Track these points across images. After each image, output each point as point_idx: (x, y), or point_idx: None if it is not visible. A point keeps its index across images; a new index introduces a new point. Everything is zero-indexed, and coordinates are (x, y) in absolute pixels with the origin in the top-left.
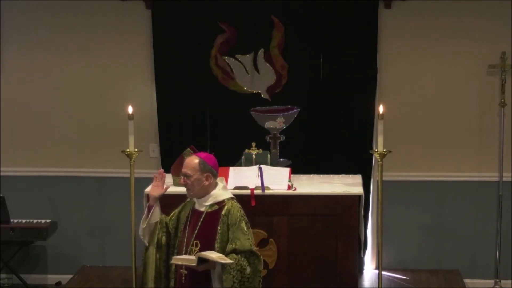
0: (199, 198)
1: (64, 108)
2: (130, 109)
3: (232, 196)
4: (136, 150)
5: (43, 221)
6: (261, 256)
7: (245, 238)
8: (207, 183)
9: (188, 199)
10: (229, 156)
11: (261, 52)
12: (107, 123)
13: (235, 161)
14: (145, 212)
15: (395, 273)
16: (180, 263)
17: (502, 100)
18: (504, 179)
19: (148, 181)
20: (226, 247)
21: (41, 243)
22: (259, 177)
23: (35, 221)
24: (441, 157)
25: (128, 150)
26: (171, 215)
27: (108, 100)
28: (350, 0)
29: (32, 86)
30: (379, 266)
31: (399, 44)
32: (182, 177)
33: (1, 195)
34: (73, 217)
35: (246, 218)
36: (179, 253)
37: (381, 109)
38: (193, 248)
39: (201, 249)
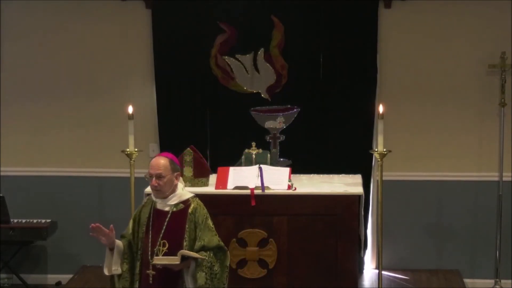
0: (164, 198)
1: (64, 108)
2: (130, 109)
3: (194, 194)
4: (136, 150)
5: (43, 221)
6: (228, 252)
7: (212, 234)
8: (176, 182)
9: (145, 200)
10: (229, 156)
11: (261, 52)
12: (107, 123)
13: (235, 161)
14: (107, 254)
15: (395, 273)
16: (162, 262)
17: (502, 100)
18: (504, 179)
19: (148, 181)
20: (194, 245)
21: (41, 243)
22: (259, 177)
23: (35, 221)
24: (441, 157)
25: (128, 150)
26: (129, 224)
27: (108, 100)
28: (350, 0)
29: (32, 85)
30: (379, 266)
31: (399, 44)
32: (153, 179)
33: (1, 195)
34: (73, 217)
35: (209, 215)
36: (144, 255)
37: (381, 109)
38: (161, 248)
39: (170, 249)
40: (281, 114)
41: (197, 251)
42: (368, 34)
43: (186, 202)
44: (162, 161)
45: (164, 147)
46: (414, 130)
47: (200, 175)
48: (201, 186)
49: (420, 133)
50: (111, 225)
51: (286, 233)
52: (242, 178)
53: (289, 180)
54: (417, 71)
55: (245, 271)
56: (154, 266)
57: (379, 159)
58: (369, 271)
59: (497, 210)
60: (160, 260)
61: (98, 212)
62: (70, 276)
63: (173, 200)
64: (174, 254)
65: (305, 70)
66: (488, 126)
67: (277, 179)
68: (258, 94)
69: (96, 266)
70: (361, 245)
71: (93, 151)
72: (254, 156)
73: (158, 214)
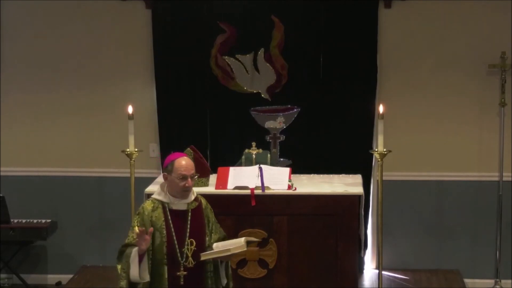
0: (185, 199)
1: (64, 108)
2: (130, 109)
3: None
4: (136, 150)
5: (43, 221)
6: None
7: (219, 226)
8: None
9: (149, 207)
10: (229, 156)
11: (261, 52)
12: (107, 123)
13: (235, 161)
14: (135, 261)
15: (395, 273)
16: (235, 252)
17: (502, 100)
18: (504, 179)
19: (148, 180)
20: (211, 239)
21: (41, 243)
22: (259, 177)
23: (35, 221)
24: (441, 157)
25: (128, 150)
26: (137, 231)
27: (108, 100)
28: (350, 0)
29: (31, 86)
30: (379, 266)
31: (399, 44)
32: (188, 179)
33: (1, 195)
34: (73, 217)
35: None
36: (171, 258)
37: (381, 109)
38: (190, 247)
39: (197, 246)
40: (281, 114)
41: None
42: (368, 34)
43: (197, 199)
44: (190, 162)
45: (164, 147)
46: (414, 130)
47: (200, 175)
48: (201, 186)
49: (420, 133)
50: (151, 228)
51: (286, 233)
52: (242, 178)
53: (289, 180)
54: (417, 71)
55: (245, 271)
56: (185, 266)
57: (379, 159)
58: (369, 271)
59: (497, 210)
60: (236, 249)
61: (98, 212)
62: (70, 276)
63: (190, 198)
64: (201, 251)
65: (305, 70)
66: (488, 126)
67: (277, 179)
68: (258, 94)
69: (96, 266)
70: (361, 245)
71: (93, 151)
72: (254, 156)
73: (177, 215)
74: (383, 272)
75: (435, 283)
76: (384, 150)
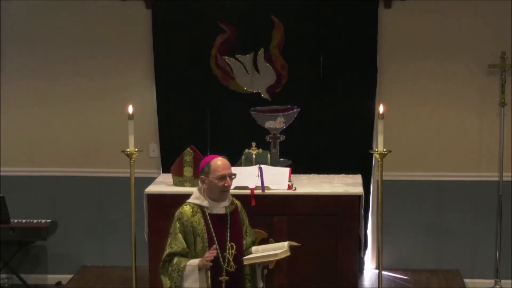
0: (223, 201)
1: (64, 108)
2: (130, 109)
3: None
4: (136, 150)
5: (43, 221)
6: None
7: (251, 228)
8: None
9: (188, 212)
10: (229, 156)
11: (261, 52)
12: (107, 123)
13: (235, 161)
14: (197, 276)
15: (395, 273)
16: (283, 256)
17: (502, 100)
18: (504, 179)
19: (148, 180)
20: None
21: (41, 243)
22: (259, 177)
23: (35, 221)
24: (441, 157)
25: (128, 150)
26: (180, 239)
27: (108, 100)
28: (350, 0)
29: (32, 86)
30: (379, 266)
31: (399, 44)
32: (227, 179)
33: (1, 195)
34: (73, 217)
35: None
36: (214, 263)
37: (381, 109)
38: (231, 251)
39: (237, 250)
40: (281, 114)
41: (250, 246)
42: (368, 34)
43: (233, 203)
44: (227, 161)
45: (164, 147)
46: (414, 130)
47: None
48: None
49: (420, 133)
50: (214, 245)
51: (286, 233)
52: (242, 178)
53: (289, 180)
54: (417, 71)
55: None
56: (227, 271)
57: (379, 159)
58: (369, 271)
59: (497, 210)
60: (282, 254)
61: (98, 212)
62: (70, 276)
63: (227, 201)
64: (240, 255)
65: (305, 70)
66: (488, 126)
67: (277, 179)
68: (258, 94)
69: (96, 266)
70: (361, 245)
71: (93, 151)
72: (254, 156)
73: (217, 219)
74: (383, 272)
75: (435, 283)
76: (384, 150)
